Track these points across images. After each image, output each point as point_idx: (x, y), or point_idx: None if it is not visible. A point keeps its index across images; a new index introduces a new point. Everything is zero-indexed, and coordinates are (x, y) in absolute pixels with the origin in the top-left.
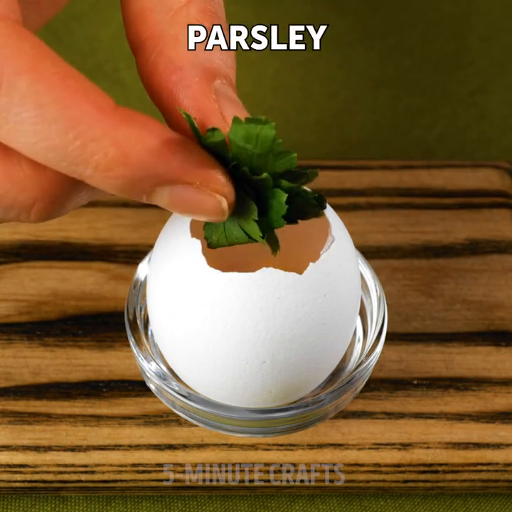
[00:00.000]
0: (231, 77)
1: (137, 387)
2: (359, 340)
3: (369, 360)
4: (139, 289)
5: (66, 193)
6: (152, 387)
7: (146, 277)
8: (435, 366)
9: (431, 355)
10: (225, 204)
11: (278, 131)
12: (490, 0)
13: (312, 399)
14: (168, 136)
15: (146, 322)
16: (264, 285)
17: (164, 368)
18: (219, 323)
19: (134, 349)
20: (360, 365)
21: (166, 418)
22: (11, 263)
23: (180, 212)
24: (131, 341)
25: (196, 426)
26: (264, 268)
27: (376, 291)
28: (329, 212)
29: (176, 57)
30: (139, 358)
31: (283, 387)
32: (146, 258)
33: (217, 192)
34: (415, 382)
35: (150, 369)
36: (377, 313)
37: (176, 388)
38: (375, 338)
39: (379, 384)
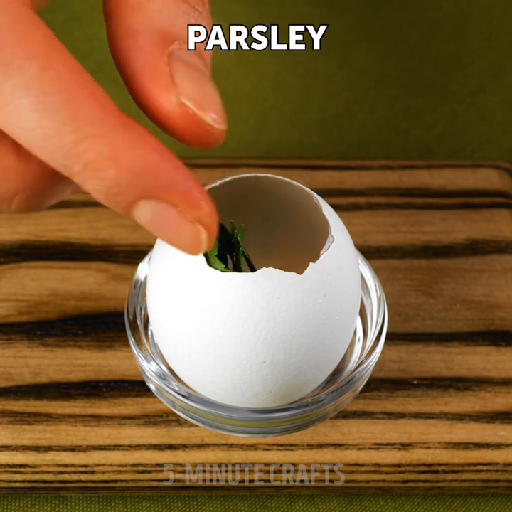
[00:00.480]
0: (199, 42)
1: (137, 387)
2: (359, 340)
3: (369, 360)
4: (139, 289)
5: (47, 186)
6: (152, 387)
7: (146, 277)
8: (435, 366)
9: (431, 355)
10: (203, 236)
11: (278, 131)
12: (490, 0)
13: (312, 399)
14: (164, 152)
15: (146, 322)
16: (264, 285)
17: (164, 368)
18: (219, 323)
19: (134, 349)
20: (360, 365)
21: (166, 418)
22: (11, 263)
23: (157, 233)
24: (131, 341)
25: (196, 426)
26: (264, 268)
27: (376, 291)
28: (329, 212)
29: (134, 22)
30: (139, 358)
31: (283, 387)
32: (146, 258)
33: (199, 222)
34: (415, 382)
35: (150, 369)
36: (377, 313)
37: (176, 388)
38: (375, 338)
39: (379, 384)
